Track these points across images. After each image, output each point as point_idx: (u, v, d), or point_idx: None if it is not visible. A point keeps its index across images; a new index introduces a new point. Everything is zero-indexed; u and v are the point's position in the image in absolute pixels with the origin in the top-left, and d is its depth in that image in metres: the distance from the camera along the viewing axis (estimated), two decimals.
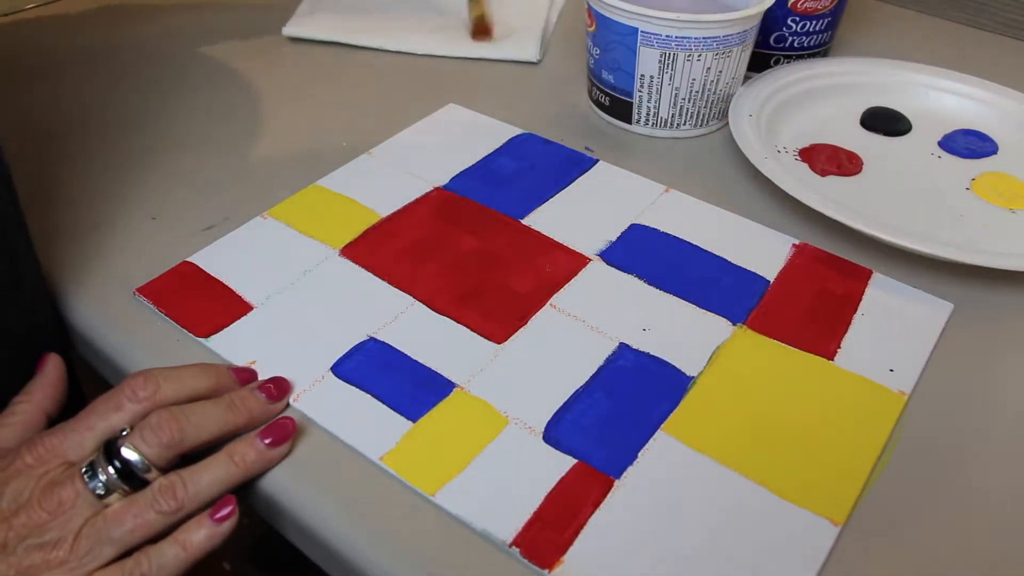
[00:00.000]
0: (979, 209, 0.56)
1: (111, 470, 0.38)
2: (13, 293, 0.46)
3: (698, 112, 0.62)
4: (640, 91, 0.62)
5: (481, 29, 0.74)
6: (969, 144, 0.62)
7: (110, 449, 0.38)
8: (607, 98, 0.64)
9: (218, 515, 0.38)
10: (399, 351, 0.46)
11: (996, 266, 0.48)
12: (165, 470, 0.39)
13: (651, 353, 0.46)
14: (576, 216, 0.56)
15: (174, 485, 0.38)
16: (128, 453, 0.38)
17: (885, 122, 0.64)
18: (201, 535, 0.38)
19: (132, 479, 0.38)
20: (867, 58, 0.67)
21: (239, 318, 0.48)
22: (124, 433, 0.39)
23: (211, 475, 0.39)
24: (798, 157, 0.59)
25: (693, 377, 0.45)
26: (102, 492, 0.37)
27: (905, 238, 0.50)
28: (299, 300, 0.49)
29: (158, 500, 0.38)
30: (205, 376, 0.42)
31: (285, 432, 0.41)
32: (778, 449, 0.42)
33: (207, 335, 0.47)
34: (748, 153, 0.56)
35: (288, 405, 0.44)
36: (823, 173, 0.58)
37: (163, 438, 0.38)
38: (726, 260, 0.52)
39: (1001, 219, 0.55)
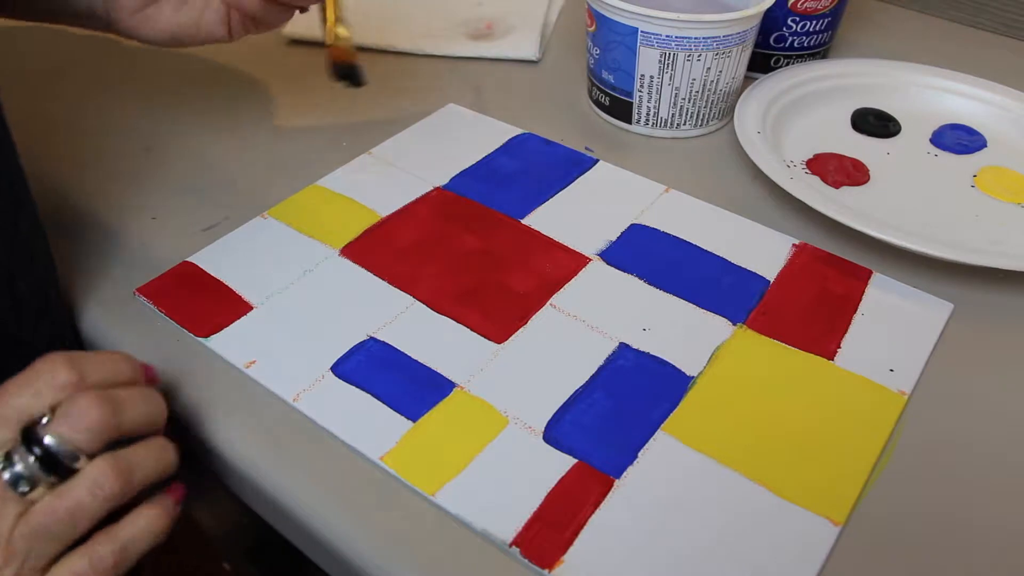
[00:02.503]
0: (992, 207, 0.56)
1: (32, 460, 0.34)
2: (44, 312, 0.46)
3: (698, 112, 0.62)
4: (640, 91, 0.62)
5: (338, 55, 0.53)
6: (959, 139, 0.62)
7: (30, 437, 0.34)
8: (607, 98, 0.64)
9: (173, 497, 0.37)
10: (399, 351, 0.46)
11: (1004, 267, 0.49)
12: (93, 457, 0.36)
13: (651, 353, 0.46)
14: (576, 216, 0.55)
15: (113, 467, 0.35)
16: (52, 441, 0.34)
17: (875, 122, 0.63)
18: (155, 515, 0.37)
19: (58, 468, 0.35)
20: (849, 59, 0.67)
21: (239, 318, 0.48)
22: (45, 420, 0.35)
23: (149, 453, 0.37)
24: (807, 170, 0.59)
25: (693, 377, 0.45)
26: (25, 488, 0.34)
27: (913, 241, 0.50)
28: (299, 300, 0.49)
29: (99, 484, 0.35)
30: (129, 365, 0.39)
31: None
32: (778, 449, 0.42)
33: (207, 335, 0.47)
34: (771, 173, 0.55)
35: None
36: (836, 185, 0.58)
37: (93, 422, 0.35)
38: (726, 260, 0.52)
39: (1015, 216, 0.56)
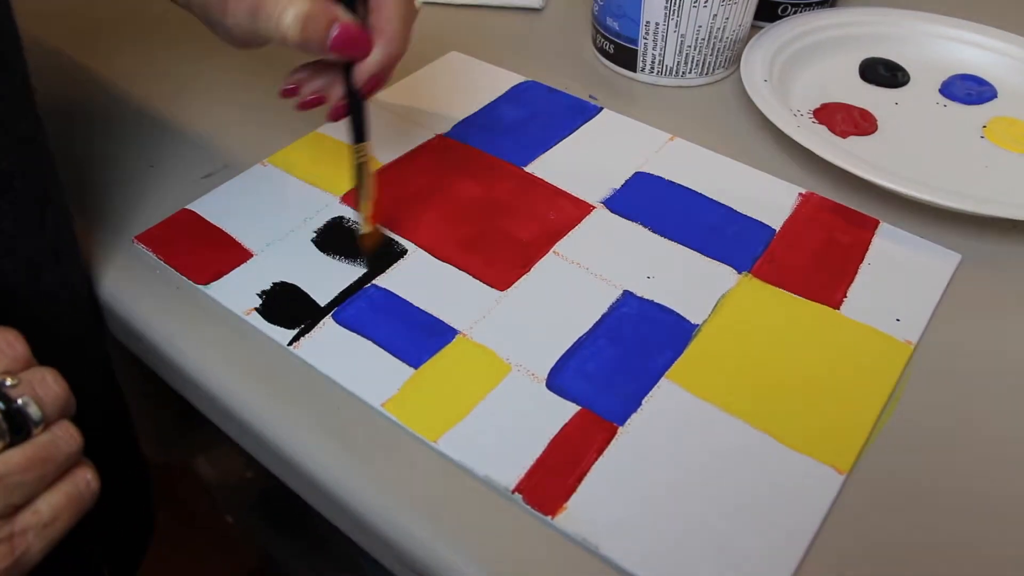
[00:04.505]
0: (1001, 158, 0.55)
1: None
2: (73, 261, 0.46)
3: (704, 60, 0.61)
4: (645, 38, 0.60)
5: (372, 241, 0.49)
6: (968, 89, 0.61)
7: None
8: (611, 46, 0.63)
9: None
10: (401, 298, 0.45)
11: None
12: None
13: (655, 301, 0.46)
14: (580, 164, 0.55)
15: (74, 430, 0.36)
16: (27, 403, 0.34)
17: (884, 72, 0.62)
18: (90, 476, 0.36)
19: (18, 431, 0.34)
20: (858, 8, 0.66)
21: (239, 265, 0.47)
22: (9, 384, 0.34)
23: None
24: (814, 119, 0.58)
25: (697, 325, 0.44)
26: None
27: (920, 190, 0.49)
28: (299, 247, 0.49)
29: (67, 442, 0.35)
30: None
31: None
32: (783, 397, 0.41)
33: (206, 282, 0.46)
34: (777, 121, 0.54)
35: None
36: (843, 135, 0.57)
37: (60, 395, 0.35)
38: (731, 208, 0.51)
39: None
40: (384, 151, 0.55)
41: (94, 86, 0.62)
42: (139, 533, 0.63)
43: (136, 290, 0.47)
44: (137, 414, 0.59)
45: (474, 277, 0.47)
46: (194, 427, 0.67)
